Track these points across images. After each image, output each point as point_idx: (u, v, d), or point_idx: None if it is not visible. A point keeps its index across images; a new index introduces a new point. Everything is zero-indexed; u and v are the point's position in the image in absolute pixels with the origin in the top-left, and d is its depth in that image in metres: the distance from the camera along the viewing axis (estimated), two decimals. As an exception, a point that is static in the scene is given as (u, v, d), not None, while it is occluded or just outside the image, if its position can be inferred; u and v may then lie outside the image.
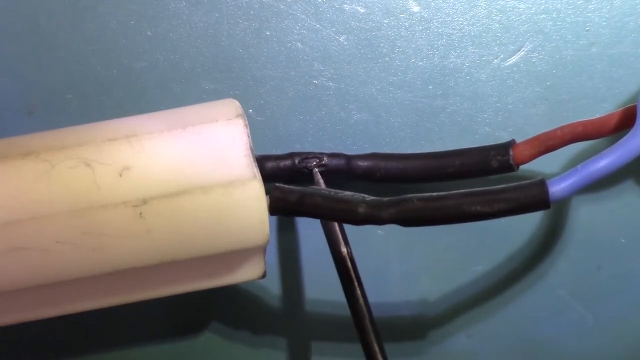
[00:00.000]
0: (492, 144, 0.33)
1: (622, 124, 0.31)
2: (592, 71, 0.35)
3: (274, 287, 0.35)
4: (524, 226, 0.35)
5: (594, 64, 0.35)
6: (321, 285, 0.35)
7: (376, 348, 0.31)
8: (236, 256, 0.31)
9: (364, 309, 0.32)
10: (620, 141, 0.30)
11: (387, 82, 0.35)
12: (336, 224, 0.32)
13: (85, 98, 0.35)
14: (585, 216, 0.35)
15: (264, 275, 0.32)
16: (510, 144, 0.33)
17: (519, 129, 0.35)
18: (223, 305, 0.36)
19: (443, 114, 0.35)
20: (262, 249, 0.31)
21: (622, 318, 0.36)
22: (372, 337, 0.31)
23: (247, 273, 0.31)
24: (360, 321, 0.32)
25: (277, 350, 0.36)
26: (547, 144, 0.32)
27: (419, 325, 0.35)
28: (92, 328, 0.35)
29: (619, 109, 0.32)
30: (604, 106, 0.35)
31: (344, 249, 0.32)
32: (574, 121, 0.32)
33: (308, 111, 0.35)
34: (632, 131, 0.30)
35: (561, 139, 0.32)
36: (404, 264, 0.35)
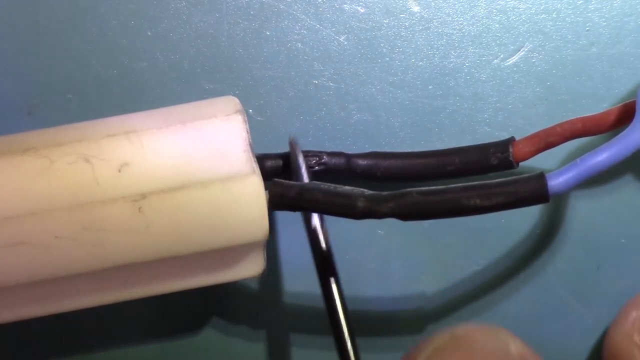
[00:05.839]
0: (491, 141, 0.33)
1: (621, 119, 0.31)
2: (592, 71, 0.35)
3: (274, 283, 0.35)
4: (523, 225, 0.35)
5: (594, 64, 0.35)
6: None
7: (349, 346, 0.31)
8: (236, 252, 0.31)
9: (340, 306, 0.31)
10: (619, 135, 0.30)
11: (387, 82, 0.35)
12: (318, 221, 0.32)
13: (85, 98, 0.35)
14: (585, 215, 0.35)
15: (264, 272, 0.32)
16: (510, 141, 0.33)
17: (519, 129, 0.35)
18: (223, 301, 0.35)
19: (443, 114, 0.35)
20: (262, 245, 0.31)
21: (623, 317, 0.36)
22: (346, 336, 0.31)
23: (247, 269, 0.31)
24: (335, 318, 0.31)
25: (278, 346, 0.36)
26: (547, 140, 0.32)
27: (418, 324, 0.35)
28: (91, 326, 0.35)
29: (618, 105, 0.32)
30: (603, 106, 0.35)
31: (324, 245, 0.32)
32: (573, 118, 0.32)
33: (308, 111, 0.35)
34: (631, 125, 0.30)
35: (561, 135, 0.32)
36: (404, 263, 0.35)
